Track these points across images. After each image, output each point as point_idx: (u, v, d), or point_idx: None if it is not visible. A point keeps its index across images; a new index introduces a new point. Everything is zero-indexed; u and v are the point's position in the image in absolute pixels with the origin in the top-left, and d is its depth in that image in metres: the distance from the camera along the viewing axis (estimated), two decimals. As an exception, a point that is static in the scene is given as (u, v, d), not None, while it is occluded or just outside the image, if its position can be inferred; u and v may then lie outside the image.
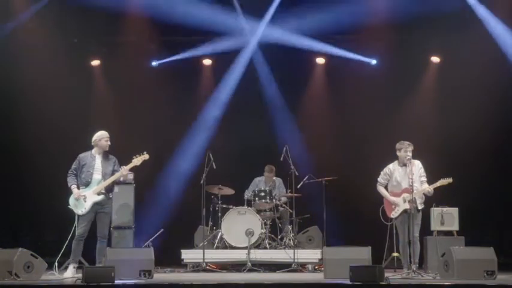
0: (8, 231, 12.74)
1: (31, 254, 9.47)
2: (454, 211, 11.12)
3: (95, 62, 13.38)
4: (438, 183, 9.99)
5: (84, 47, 13.14)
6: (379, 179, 10.32)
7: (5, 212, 12.50)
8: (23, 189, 12.63)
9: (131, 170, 10.43)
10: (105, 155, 10.24)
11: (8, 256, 9.33)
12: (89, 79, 13.32)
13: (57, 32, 12.50)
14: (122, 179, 10.50)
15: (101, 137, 10.21)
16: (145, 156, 10.23)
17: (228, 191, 12.25)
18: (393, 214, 10.17)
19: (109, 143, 10.21)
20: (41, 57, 12.40)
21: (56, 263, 9.96)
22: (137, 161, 10.21)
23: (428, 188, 10.00)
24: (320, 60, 13.57)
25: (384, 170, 10.30)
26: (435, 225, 11.05)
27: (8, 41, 12.22)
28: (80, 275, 8.94)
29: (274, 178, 12.58)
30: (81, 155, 10.24)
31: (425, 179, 10.11)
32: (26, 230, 13.16)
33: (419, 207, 10.01)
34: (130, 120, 12.97)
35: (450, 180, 9.93)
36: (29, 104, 12.61)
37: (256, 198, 12.04)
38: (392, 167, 10.25)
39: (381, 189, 10.30)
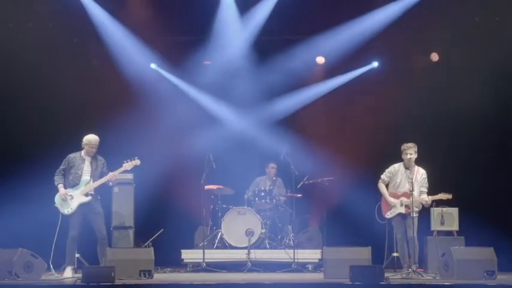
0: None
1: (31, 254, 9.50)
2: (454, 211, 11.13)
3: (96, 61, 13.34)
4: (437, 196, 10.03)
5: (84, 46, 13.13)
6: (382, 176, 10.34)
7: (4, 212, 12.48)
8: (22, 188, 12.60)
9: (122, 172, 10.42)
10: (94, 156, 10.24)
11: (8, 256, 9.35)
12: (89, 78, 13.30)
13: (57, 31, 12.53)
14: (110, 183, 10.43)
15: (87, 142, 10.19)
16: (137, 162, 10.23)
17: (228, 191, 12.26)
18: (388, 215, 10.20)
19: (94, 149, 10.17)
20: (40, 56, 12.42)
21: (51, 264, 9.94)
22: (128, 165, 10.22)
23: (426, 199, 10.01)
24: (320, 60, 13.54)
25: (389, 168, 10.32)
26: (435, 225, 11.05)
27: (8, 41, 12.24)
28: (79, 275, 8.96)
29: (274, 178, 12.60)
30: (71, 156, 10.25)
31: (426, 190, 10.12)
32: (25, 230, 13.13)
33: (414, 215, 9.99)
34: (130, 119, 12.93)
35: (450, 196, 9.99)
36: (28, 104, 12.60)
37: (256, 198, 12.06)
38: (398, 167, 10.26)
39: (382, 187, 10.31)
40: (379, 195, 10.37)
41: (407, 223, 10.02)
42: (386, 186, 10.32)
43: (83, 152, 10.23)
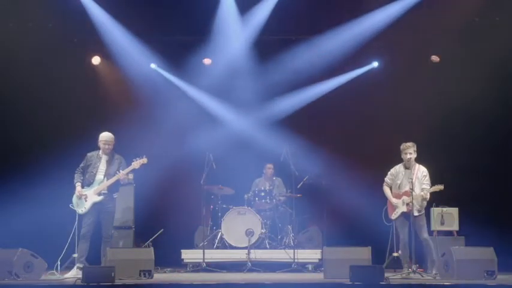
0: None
1: (31, 254, 9.50)
2: (454, 211, 11.13)
3: (96, 60, 13.34)
4: (432, 189, 10.03)
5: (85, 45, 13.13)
6: (386, 179, 10.35)
7: (5, 212, 12.49)
8: (24, 189, 12.61)
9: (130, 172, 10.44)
10: (111, 155, 10.27)
11: (8, 256, 9.34)
12: (89, 78, 13.30)
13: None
14: (121, 182, 10.47)
15: (100, 139, 10.26)
16: (144, 160, 10.27)
17: (228, 191, 12.27)
18: (393, 216, 10.20)
19: (107, 146, 10.20)
20: (40, 56, 12.42)
21: (58, 262, 9.96)
22: (136, 164, 10.25)
23: (422, 193, 10.00)
24: (319, 62, 13.51)
25: (391, 170, 10.34)
26: (435, 225, 11.05)
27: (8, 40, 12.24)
28: (80, 275, 8.96)
29: (274, 178, 12.60)
30: (89, 154, 10.32)
31: (428, 187, 10.08)
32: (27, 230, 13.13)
33: (415, 214, 9.97)
34: (130, 119, 12.93)
35: (441, 187, 9.97)
36: (28, 104, 12.60)
37: (256, 198, 12.06)
38: (398, 168, 10.28)
39: (386, 190, 10.32)
40: (379, 195, 10.36)
41: (413, 223, 9.95)
42: (391, 188, 10.32)
43: (100, 150, 10.28)
